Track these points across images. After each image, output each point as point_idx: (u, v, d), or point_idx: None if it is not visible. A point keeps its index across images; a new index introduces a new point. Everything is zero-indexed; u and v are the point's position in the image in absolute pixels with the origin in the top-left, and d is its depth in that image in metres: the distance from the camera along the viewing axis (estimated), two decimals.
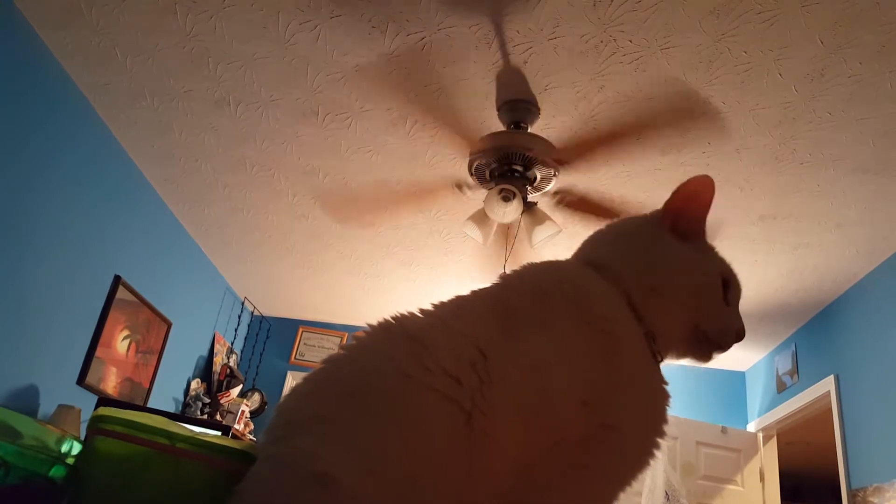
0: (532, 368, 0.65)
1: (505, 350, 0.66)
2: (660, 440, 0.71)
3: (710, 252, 0.82)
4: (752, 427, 4.95)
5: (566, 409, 0.65)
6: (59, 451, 0.66)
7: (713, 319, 0.78)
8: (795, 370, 4.32)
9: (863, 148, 2.67)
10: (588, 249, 0.83)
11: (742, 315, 0.81)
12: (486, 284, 0.77)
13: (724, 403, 5.14)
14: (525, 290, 0.75)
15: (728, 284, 0.80)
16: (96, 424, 0.65)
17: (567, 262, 0.81)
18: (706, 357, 0.80)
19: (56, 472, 0.66)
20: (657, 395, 0.73)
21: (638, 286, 0.75)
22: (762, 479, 4.73)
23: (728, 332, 0.78)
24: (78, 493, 0.64)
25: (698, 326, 0.78)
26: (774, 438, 4.83)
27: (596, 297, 0.73)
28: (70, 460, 0.66)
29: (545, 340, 0.68)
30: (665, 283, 0.77)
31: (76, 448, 0.68)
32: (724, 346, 0.79)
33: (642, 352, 0.73)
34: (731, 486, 4.71)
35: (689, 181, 0.79)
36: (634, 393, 0.70)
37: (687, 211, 0.80)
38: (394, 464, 0.59)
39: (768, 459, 4.78)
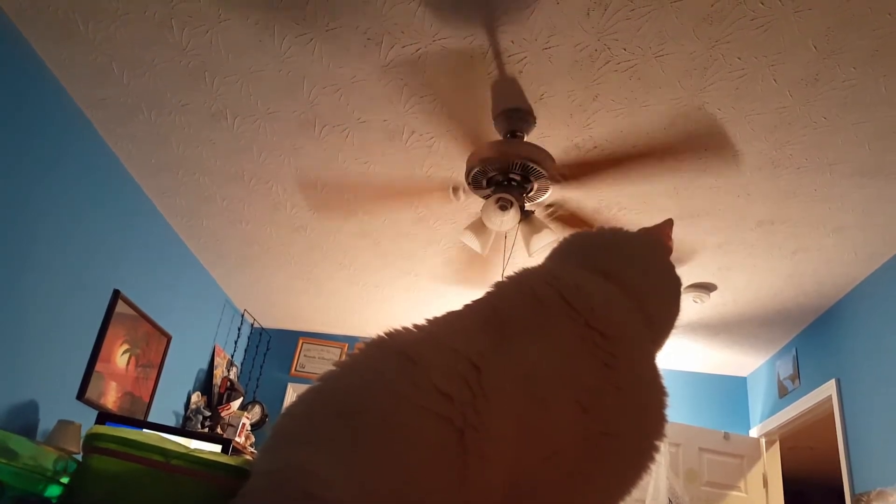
0: (527, 377, 0.65)
1: (498, 362, 0.65)
2: (659, 444, 0.71)
3: None
4: (754, 432, 4.94)
5: (564, 416, 0.64)
6: (55, 470, 0.66)
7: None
8: (797, 375, 4.31)
9: (859, 152, 2.68)
10: (589, 257, 0.83)
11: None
12: (480, 295, 0.76)
13: (726, 409, 5.13)
14: (519, 298, 0.74)
15: None
16: (91, 442, 0.65)
17: (566, 268, 0.80)
18: None
19: (51, 491, 0.66)
20: (661, 399, 0.73)
21: (650, 296, 0.80)
22: (765, 484, 4.71)
23: None
24: None
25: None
26: (777, 443, 4.82)
27: (607, 303, 0.73)
28: (65, 479, 0.66)
29: (540, 347, 0.67)
30: (670, 295, 0.84)
31: (72, 468, 0.67)
32: None
33: (650, 355, 0.75)
34: (734, 493, 4.70)
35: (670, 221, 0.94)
36: (638, 398, 0.69)
37: (670, 239, 0.93)
38: (385, 484, 0.58)
39: (771, 465, 4.77)
